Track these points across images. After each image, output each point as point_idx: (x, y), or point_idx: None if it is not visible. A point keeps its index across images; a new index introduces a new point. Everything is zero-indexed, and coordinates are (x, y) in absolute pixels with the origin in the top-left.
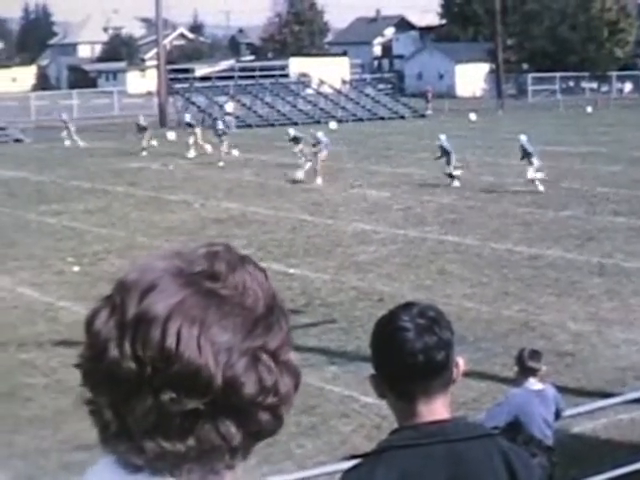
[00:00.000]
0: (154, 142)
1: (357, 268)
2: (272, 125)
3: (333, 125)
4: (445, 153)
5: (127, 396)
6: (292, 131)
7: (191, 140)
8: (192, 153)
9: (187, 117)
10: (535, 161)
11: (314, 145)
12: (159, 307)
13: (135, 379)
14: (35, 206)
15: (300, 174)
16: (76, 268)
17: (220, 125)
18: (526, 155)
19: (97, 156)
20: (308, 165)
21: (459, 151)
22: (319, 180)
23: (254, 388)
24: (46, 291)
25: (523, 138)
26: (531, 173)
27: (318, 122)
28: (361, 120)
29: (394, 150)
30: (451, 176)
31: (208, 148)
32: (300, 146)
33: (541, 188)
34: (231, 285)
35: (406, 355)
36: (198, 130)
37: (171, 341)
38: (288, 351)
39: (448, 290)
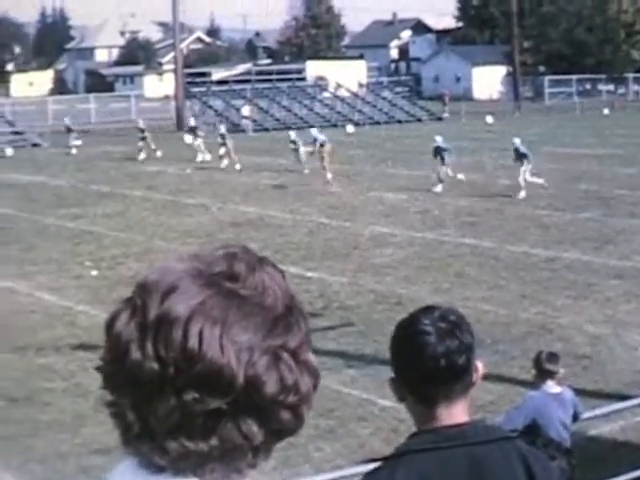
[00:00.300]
0: (153, 146)
1: (375, 271)
2: (289, 128)
3: (350, 128)
4: (440, 152)
5: (150, 397)
6: (292, 134)
7: (201, 145)
8: (200, 157)
9: (192, 121)
10: (528, 163)
11: (314, 144)
12: (180, 308)
13: (158, 380)
14: (53, 210)
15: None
16: (94, 272)
17: (222, 130)
18: (520, 157)
19: (115, 160)
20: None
21: (476, 154)
22: (329, 175)
23: (275, 387)
24: (64, 295)
25: (517, 141)
26: (528, 176)
27: (335, 125)
28: (378, 123)
29: (411, 153)
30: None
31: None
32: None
33: (523, 194)
34: (251, 285)
35: (428, 359)
36: (201, 134)
37: (194, 341)
38: (307, 351)
39: (466, 293)
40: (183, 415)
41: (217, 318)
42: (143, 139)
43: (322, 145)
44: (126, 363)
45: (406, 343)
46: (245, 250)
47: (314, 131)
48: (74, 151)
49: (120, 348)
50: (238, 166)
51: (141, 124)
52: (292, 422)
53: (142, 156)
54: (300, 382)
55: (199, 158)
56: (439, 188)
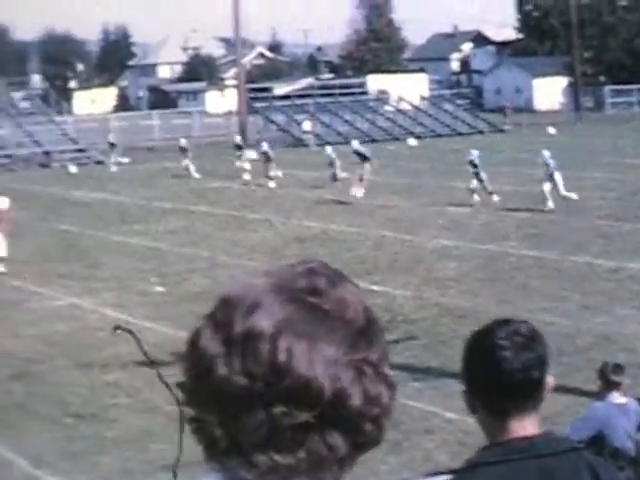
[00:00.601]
0: (190, 165)
1: (438, 284)
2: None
3: (412, 141)
4: (474, 167)
5: (237, 412)
6: (329, 149)
7: (240, 164)
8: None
9: (237, 139)
10: (556, 177)
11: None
12: (266, 323)
13: (246, 394)
14: (117, 227)
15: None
16: (160, 288)
17: (264, 147)
18: (548, 171)
19: (178, 176)
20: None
21: (537, 165)
22: (361, 191)
23: (360, 399)
24: (130, 312)
25: (546, 154)
26: (558, 190)
27: (397, 139)
28: (440, 136)
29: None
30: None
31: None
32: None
33: (551, 204)
34: (332, 300)
35: (504, 374)
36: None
37: (282, 356)
38: (386, 363)
39: (529, 304)
40: (272, 429)
41: (303, 333)
42: (186, 158)
43: (364, 160)
44: (212, 379)
45: (481, 357)
46: (324, 265)
47: (355, 144)
48: (114, 169)
49: (205, 364)
50: (272, 184)
51: (183, 143)
52: (375, 433)
53: (197, 175)
54: (381, 394)
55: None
56: (476, 198)
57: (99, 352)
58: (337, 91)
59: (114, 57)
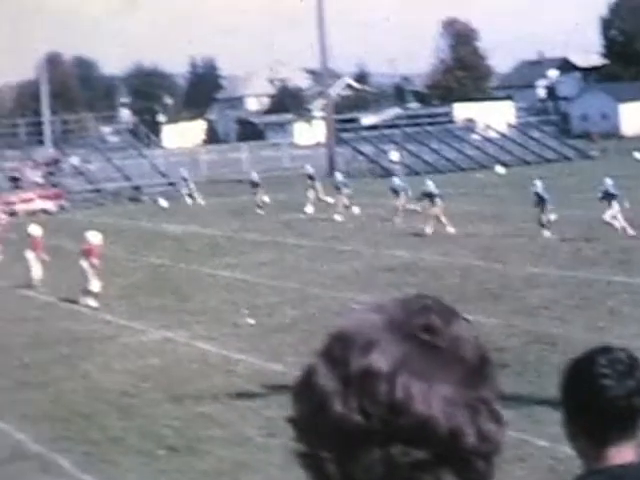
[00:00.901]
0: (265, 198)
1: (528, 311)
2: (440, 172)
3: (500, 169)
4: (541, 198)
5: (353, 449)
6: (397, 180)
7: (311, 194)
8: (310, 208)
9: (309, 169)
10: (615, 204)
11: (425, 198)
12: (383, 362)
13: (362, 432)
14: (208, 260)
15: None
16: (250, 320)
17: (339, 177)
18: (607, 198)
19: (267, 208)
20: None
21: (626, 192)
22: (430, 229)
23: (474, 438)
24: (221, 344)
25: (608, 182)
26: (608, 216)
27: (484, 167)
28: (527, 163)
29: (561, 192)
30: (542, 225)
31: (329, 200)
32: (401, 200)
33: (617, 226)
34: (447, 337)
35: (607, 401)
36: (318, 184)
37: (400, 395)
38: (496, 400)
39: (620, 331)
40: (387, 467)
41: (420, 371)
42: (255, 193)
43: (434, 200)
44: (328, 416)
45: (583, 385)
46: (438, 302)
47: (430, 185)
48: (189, 200)
49: (321, 401)
50: (338, 217)
51: (255, 178)
52: (486, 471)
53: (259, 211)
54: (493, 431)
55: (309, 210)
56: (547, 234)
57: (191, 385)
58: (424, 120)
59: (202, 90)
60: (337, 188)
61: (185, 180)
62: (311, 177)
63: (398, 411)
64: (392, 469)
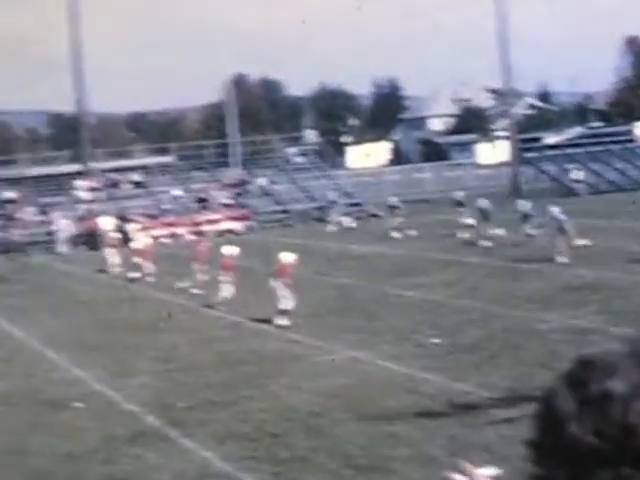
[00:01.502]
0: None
1: None
2: (623, 190)
3: None
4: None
5: (585, 470)
6: (526, 205)
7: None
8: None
9: (459, 195)
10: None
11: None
12: (621, 386)
13: (594, 454)
14: (393, 279)
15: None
16: (435, 340)
17: (483, 204)
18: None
19: (450, 227)
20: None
21: None
22: (560, 258)
23: None
24: (406, 363)
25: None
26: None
27: None
28: None
29: None
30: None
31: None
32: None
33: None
34: None
35: None
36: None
37: (633, 418)
38: None
39: None
40: None
41: None
42: (396, 216)
43: (562, 228)
44: (564, 437)
45: None
46: None
47: (555, 211)
48: (330, 228)
49: (559, 422)
50: (487, 243)
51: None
52: None
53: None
54: None
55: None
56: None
57: (378, 404)
58: (605, 139)
59: (386, 111)
60: (483, 214)
61: (333, 203)
62: (460, 203)
63: (630, 433)
64: None
